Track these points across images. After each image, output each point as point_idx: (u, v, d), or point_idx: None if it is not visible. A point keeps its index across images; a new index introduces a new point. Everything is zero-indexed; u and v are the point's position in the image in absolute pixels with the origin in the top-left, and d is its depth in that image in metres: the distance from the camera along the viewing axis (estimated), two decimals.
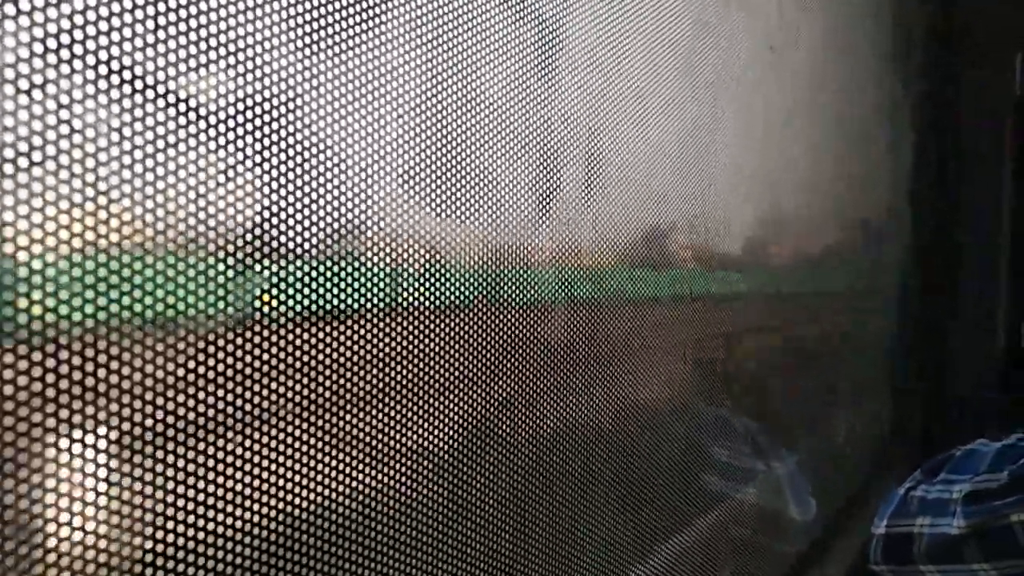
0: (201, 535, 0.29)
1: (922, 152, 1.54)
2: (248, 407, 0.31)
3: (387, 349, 0.37)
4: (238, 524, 0.30)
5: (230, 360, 0.30)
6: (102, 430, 0.26)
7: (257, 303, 0.31)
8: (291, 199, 0.32)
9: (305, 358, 0.33)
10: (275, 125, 0.32)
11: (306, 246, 0.33)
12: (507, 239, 0.46)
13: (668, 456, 0.68)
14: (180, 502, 0.28)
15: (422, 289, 0.39)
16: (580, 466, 0.55)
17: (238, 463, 0.30)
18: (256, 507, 0.31)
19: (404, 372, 0.39)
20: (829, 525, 1.10)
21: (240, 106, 0.30)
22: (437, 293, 0.40)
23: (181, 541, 0.28)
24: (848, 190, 1.21)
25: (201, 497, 0.29)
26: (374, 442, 0.37)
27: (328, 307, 0.34)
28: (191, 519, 0.29)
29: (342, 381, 0.35)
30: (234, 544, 0.30)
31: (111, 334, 0.26)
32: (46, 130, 0.24)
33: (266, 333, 0.31)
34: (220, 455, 0.30)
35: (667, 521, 0.67)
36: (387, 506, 0.38)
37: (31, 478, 0.24)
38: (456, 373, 0.42)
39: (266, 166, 0.31)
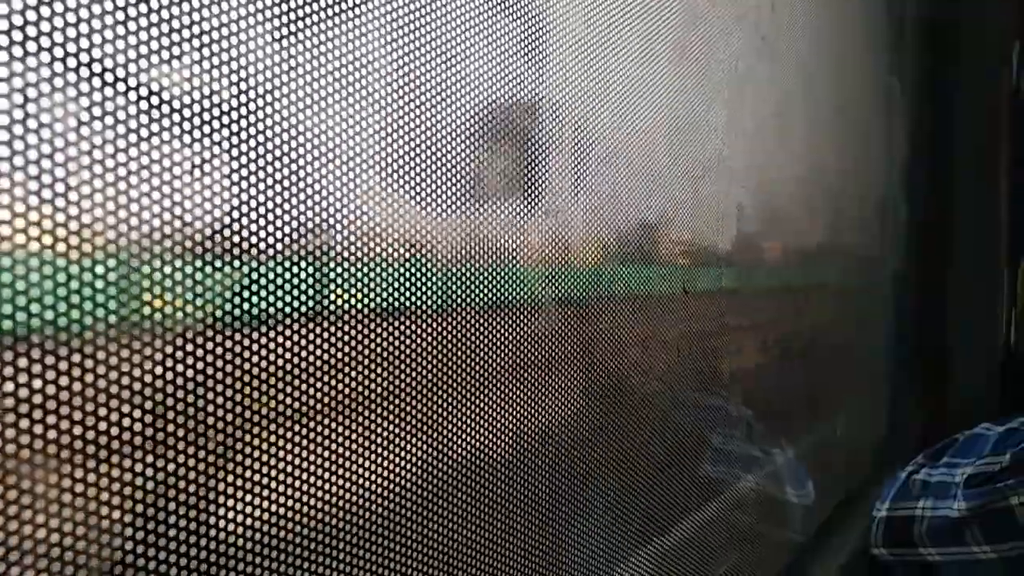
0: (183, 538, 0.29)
1: (917, 145, 1.54)
2: (231, 409, 0.30)
3: (370, 350, 0.37)
4: (223, 528, 0.30)
5: (209, 359, 0.30)
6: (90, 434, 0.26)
7: (226, 304, 0.31)
8: (262, 193, 0.32)
9: (278, 361, 0.32)
10: (249, 118, 0.31)
11: (281, 243, 0.32)
12: (494, 233, 0.45)
13: (667, 447, 0.68)
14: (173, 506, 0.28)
15: (405, 288, 0.39)
16: (577, 460, 0.54)
17: (218, 470, 0.30)
18: (249, 510, 0.31)
19: (389, 373, 0.38)
20: (829, 516, 1.10)
21: (215, 99, 0.30)
22: (420, 292, 0.40)
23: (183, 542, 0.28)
24: (842, 183, 1.22)
25: (194, 501, 0.29)
26: (355, 447, 0.36)
27: (301, 308, 0.33)
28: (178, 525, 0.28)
29: (320, 384, 0.34)
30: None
31: (76, 338, 0.26)
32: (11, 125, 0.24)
33: (242, 335, 0.31)
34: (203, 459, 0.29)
35: (666, 511, 0.67)
36: (376, 512, 0.37)
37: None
38: (446, 373, 0.42)
39: (235, 164, 0.31)
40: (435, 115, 0.41)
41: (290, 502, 0.33)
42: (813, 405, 1.13)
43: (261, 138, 0.31)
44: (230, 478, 0.30)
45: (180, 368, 0.29)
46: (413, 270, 0.39)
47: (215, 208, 0.30)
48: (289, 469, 0.33)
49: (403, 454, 0.39)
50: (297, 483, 0.33)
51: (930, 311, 1.56)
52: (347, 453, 0.35)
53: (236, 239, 0.31)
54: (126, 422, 0.27)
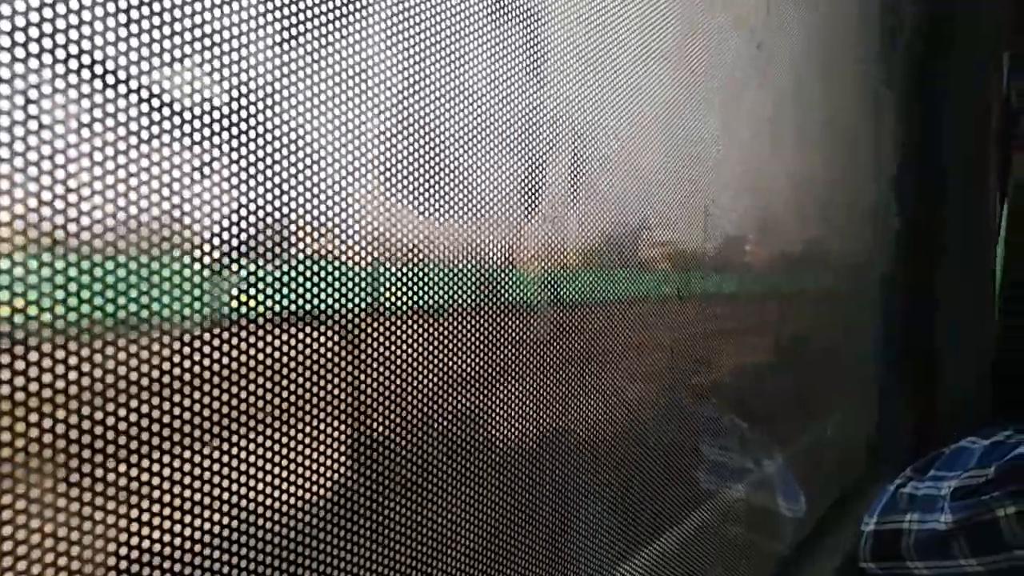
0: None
1: (907, 151, 1.55)
2: (223, 410, 0.30)
3: (367, 352, 0.37)
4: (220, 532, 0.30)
5: (206, 362, 0.30)
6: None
7: (231, 304, 0.31)
8: (269, 196, 0.32)
9: (277, 363, 0.33)
10: (254, 122, 0.31)
11: (284, 244, 0.33)
12: (493, 238, 0.45)
13: (657, 455, 0.68)
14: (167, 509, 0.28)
15: (407, 290, 0.39)
16: (569, 466, 0.54)
17: (213, 471, 0.30)
18: (244, 513, 0.31)
19: (389, 374, 0.38)
20: (817, 526, 1.10)
21: (216, 102, 0.30)
22: (421, 294, 0.40)
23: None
24: (832, 189, 1.22)
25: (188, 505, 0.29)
26: (349, 450, 0.36)
27: (302, 309, 0.34)
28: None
29: (319, 385, 0.34)
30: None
31: (79, 336, 0.26)
32: (12, 125, 0.24)
33: (242, 334, 0.31)
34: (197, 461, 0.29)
35: (655, 520, 0.67)
36: (369, 519, 0.37)
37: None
38: (442, 375, 0.42)
39: (241, 164, 0.31)
40: (433, 121, 0.41)
41: (294, 500, 0.33)
42: (804, 408, 1.13)
43: (260, 141, 0.32)
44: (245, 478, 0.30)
45: (187, 366, 0.29)
46: (411, 272, 0.39)
47: (223, 209, 0.30)
48: (288, 469, 0.33)
49: (395, 455, 0.39)
50: (294, 485, 0.33)
51: (919, 313, 1.57)
52: (341, 455, 0.36)
53: (239, 241, 0.31)
54: (133, 418, 0.27)
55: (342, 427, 0.35)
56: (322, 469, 0.34)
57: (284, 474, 0.33)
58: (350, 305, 0.36)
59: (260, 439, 0.32)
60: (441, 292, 0.41)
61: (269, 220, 0.32)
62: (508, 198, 0.47)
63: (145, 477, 0.27)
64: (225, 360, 0.30)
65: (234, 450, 0.31)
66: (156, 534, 0.28)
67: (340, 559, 0.35)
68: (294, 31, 0.33)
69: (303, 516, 0.34)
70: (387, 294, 0.38)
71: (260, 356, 0.32)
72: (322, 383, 0.34)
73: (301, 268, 0.33)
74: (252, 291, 0.32)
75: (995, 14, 1.56)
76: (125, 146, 0.27)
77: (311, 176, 0.34)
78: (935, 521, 0.80)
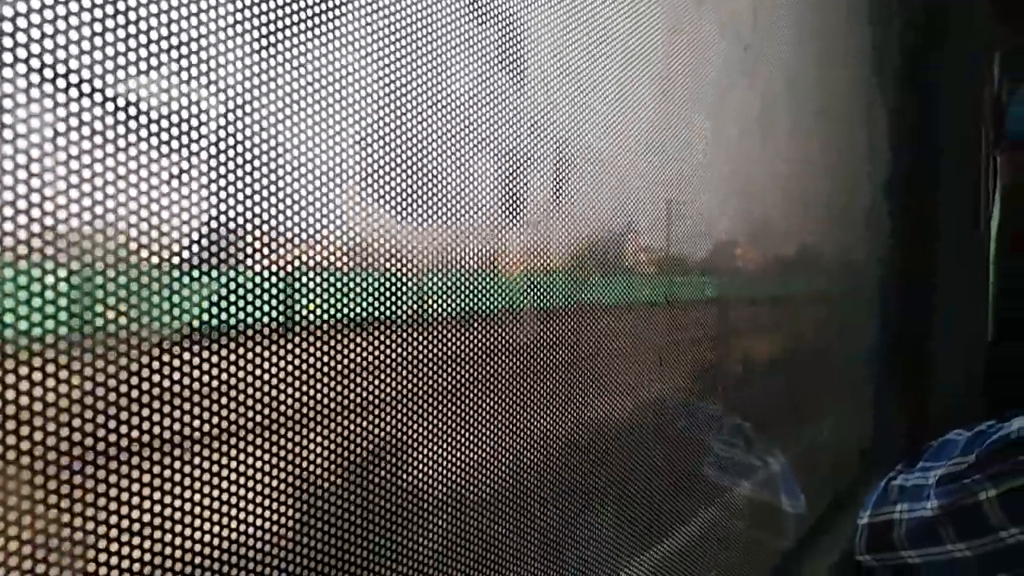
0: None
1: (899, 153, 1.56)
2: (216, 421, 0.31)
3: (356, 361, 0.37)
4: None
5: (186, 370, 0.30)
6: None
7: (204, 314, 0.31)
8: (241, 203, 0.32)
9: (265, 374, 0.33)
10: (226, 128, 0.31)
11: (258, 254, 0.33)
12: (476, 243, 0.46)
13: (656, 456, 0.68)
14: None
15: (387, 298, 0.39)
16: (568, 471, 0.55)
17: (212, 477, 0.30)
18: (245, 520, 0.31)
19: (379, 384, 0.38)
20: (814, 524, 1.11)
21: (193, 109, 0.30)
22: (403, 301, 0.40)
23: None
24: (825, 191, 1.23)
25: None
26: (339, 459, 0.37)
27: (281, 319, 0.34)
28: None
29: (304, 395, 0.34)
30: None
31: (59, 345, 0.26)
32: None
33: (220, 344, 0.31)
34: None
35: (654, 519, 0.68)
36: (365, 529, 0.38)
37: None
38: (435, 384, 0.42)
39: (213, 174, 0.31)
40: (416, 126, 0.41)
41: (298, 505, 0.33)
42: (798, 411, 1.14)
43: (240, 148, 0.32)
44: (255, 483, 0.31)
45: (176, 376, 0.29)
46: (393, 280, 0.40)
47: (206, 216, 0.31)
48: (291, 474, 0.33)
49: (393, 464, 0.40)
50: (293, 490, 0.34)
51: (912, 315, 1.57)
52: (333, 462, 0.36)
53: (222, 248, 0.31)
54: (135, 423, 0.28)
55: (330, 434, 0.35)
56: (317, 477, 0.34)
57: (287, 479, 0.33)
58: (331, 313, 0.36)
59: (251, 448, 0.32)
60: (433, 298, 0.41)
61: (240, 227, 0.32)
62: (490, 203, 0.47)
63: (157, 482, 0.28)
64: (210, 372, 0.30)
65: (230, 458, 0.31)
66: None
67: (328, 564, 0.36)
68: (273, 36, 0.33)
69: (300, 521, 0.34)
70: (373, 301, 0.38)
71: (235, 368, 0.32)
72: (309, 392, 0.34)
73: (276, 277, 0.33)
74: (225, 301, 0.32)
75: (988, 15, 1.57)
76: (92, 152, 0.27)
77: (288, 182, 0.34)
78: (922, 508, 0.81)
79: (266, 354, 0.33)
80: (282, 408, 0.34)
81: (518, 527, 0.50)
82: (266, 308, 0.33)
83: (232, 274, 0.32)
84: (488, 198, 0.47)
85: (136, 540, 0.28)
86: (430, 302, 0.42)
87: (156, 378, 0.29)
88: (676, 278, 0.73)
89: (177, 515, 0.30)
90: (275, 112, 0.33)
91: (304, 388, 0.35)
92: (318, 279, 0.35)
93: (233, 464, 0.32)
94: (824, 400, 1.26)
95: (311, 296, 0.35)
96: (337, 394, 0.36)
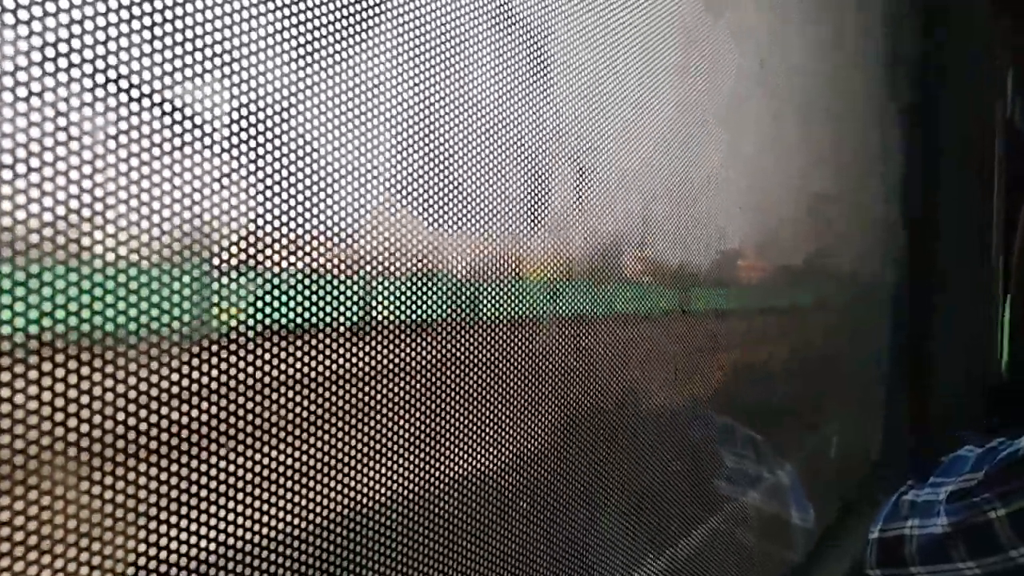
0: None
1: (909, 170, 1.56)
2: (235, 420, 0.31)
3: (372, 364, 0.37)
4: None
5: (218, 371, 0.30)
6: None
7: (242, 315, 0.32)
8: (275, 207, 0.33)
9: (282, 375, 0.33)
10: (260, 135, 0.32)
11: (291, 258, 0.33)
12: (497, 250, 0.46)
13: (668, 464, 0.69)
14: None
15: (411, 302, 0.40)
16: (577, 476, 0.55)
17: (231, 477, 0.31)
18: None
19: (392, 388, 0.39)
20: (821, 536, 1.11)
21: (234, 115, 0.31)
22: (427, 305, 0.41)
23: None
24: (839, 203, 1.23)
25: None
26: (353, 463, 0.37)
27: (307, 321, 0.34)
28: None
29: (325, 397, 0.35)
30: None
31: (101, 344, 0.27)
32: (43, 136, 0.25)
33: (251, 346, 0.32)
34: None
35: (662, 527, 0.68)
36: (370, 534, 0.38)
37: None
38: (450, 388, 0.42)
39: (252, 177, 0.32)
40: (442, 134, 0.42)
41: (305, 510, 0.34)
42: (810, 418, 1.14)
43: (265, 154, 0.33)
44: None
45: (203, 375, 0.30)
46: (420, 284, 0.40)
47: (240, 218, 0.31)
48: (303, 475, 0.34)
49: (402, 466, 0.40)
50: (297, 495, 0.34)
51: (920, 325, 1.57)
52: (350, 463, 0.37)
53: (254, 249, 0.32)
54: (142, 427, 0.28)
55: (355, 434, 0.36)
56: (346, 478, 0.35)
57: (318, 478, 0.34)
58: (357, 317, 0.37)
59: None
60: (458, 302, 0.42)
61: (264, 231, 0.33)
62: (514, 210, 0.48)
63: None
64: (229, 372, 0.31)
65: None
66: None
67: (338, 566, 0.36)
68: (303, 41, 0.34)
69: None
70: (396, 305, 0.39)
71: (267, 368, 0.32)
72: (330, 396, 0.35)
73: (306, 280, 0.34)
74: (254, 302, 0.32)
75: (1000, 32, 1.57)
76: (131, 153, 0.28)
77: (319, 187, 0.34)
78: (933, 525, 0.81)
79: (301, 355, 0.34)
80: (325, 406, 0.34)
81: (541, 530, 0.50)
82: (300, 310, 0.34)
83: (259, 280, 0.33)
84: (512, 204, 0.47)
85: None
86: (452, 306, 0.43)
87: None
88: (692, 288, 0.74)
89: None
90: (307, 118, 0.34)
91: (345, 388, 0.35)
92: (362, 282, 0.36)
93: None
94: (836, 407, 1.26)
95: (355, 298, 0.36)
96: (353, 395, 0.37)
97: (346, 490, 0.36)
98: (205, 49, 0.30)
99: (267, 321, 0.32)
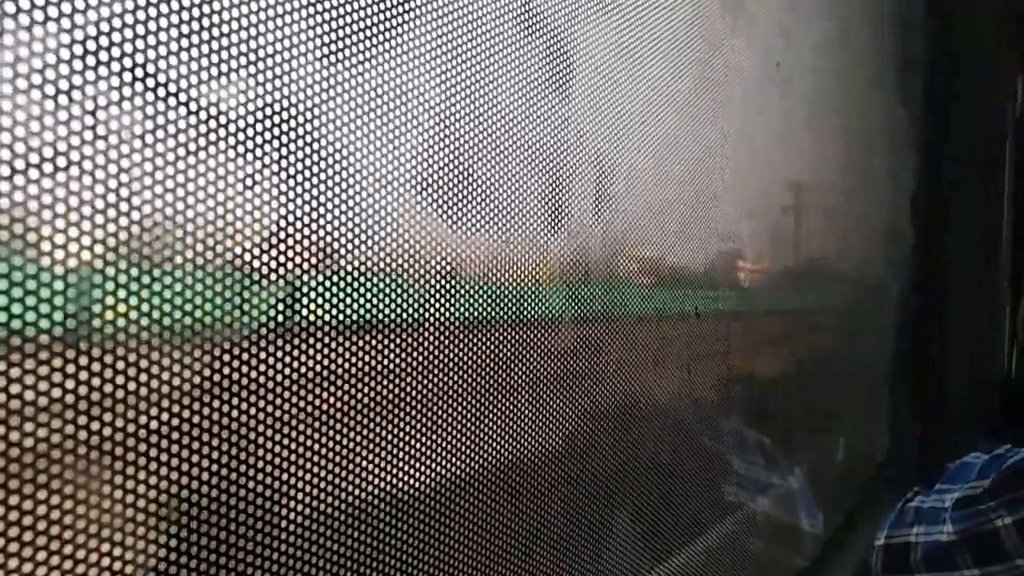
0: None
1: (920, 174, 1.55)
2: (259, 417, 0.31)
3: (395, 364, 0.38)
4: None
5: (245, 369, 0.30)
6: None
7: (270, 314, 0.32)
8: (300, 208, 0.33)
9: (310, 373, 0.33)
10: (285, 135, 0.32)
11: (314, 259, 0.34)
12: (519, 253, 0.46)
13: (675, 469, 0.69)
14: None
15: (433, 303, 0.40)
16: (586, 475, 0.55)
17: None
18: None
19: (411, 387, 0.39)
20: (828, 542, 1.11)
21: (259, 115, 0.31)
22: (448, 307, 0.41)
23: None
24: (844, 209, 1.23)
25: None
26: (369, 464, 0.37)
27: (331, 320, 0.34)
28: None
29: (346, 395, 0.35)
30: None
31: (129, 342, 0.27)
32: (69, 135, 0.25)
33: (278, 344, 0.32)
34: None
35: (669, 532, 0.68)
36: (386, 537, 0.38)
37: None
38: (469, 389, 0.42)
39: (276, 177, 0.32)
40: (466, 139, 0.42)
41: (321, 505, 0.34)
42: (813, 427, 1.14)
43: (293, 158, 0.33)
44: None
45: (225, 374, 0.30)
46: (441, 285, 0.40)
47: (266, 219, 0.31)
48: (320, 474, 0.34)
49: (421, 464, 0.40)
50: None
51: (928, 331, 1.57)
52: (364, 464, 0.37)
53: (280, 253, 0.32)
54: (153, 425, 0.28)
55: (373, 435, 0.36)
56: (357, 477, 0.35)
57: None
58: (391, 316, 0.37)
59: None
60: (478, 304, 0.42)
61: (291, 232, 0.33)
62: (534, 213, 0.48)
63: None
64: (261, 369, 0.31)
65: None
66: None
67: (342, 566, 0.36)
68: (331, 40, 0.34)
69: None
70: (427, 306, 0.39)
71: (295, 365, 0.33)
72: (356, 394, 0.35)
73: (331, 281, 0.34)
74: (280, 303, 0.32)
75: (1011, 35, 1.56)
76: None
77: (344, 190, 0.35)
78: (939, 532, 0.81)
79: (329, 352, 0.34)
80: (358, 399, 0.34)
81: (553, 529, 0.50)
82: (326, 308, 0.34)
83: (297, 282, 0.32)
84: (533, 208, 0.47)
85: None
86: (472, 307, 0.43)
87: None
88: (706, 291, 0.73)
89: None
90: (334, 122, 0.34)
91: (349, 388, 0.35)
92: (386, 282, 0.36)
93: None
94: (842, 410, 1.26)
95: (382, 297, 0.36)
96: (378, 394, 0.37)
97: (373, 488, 0.36)
98: (231, 48, 0.30)
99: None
